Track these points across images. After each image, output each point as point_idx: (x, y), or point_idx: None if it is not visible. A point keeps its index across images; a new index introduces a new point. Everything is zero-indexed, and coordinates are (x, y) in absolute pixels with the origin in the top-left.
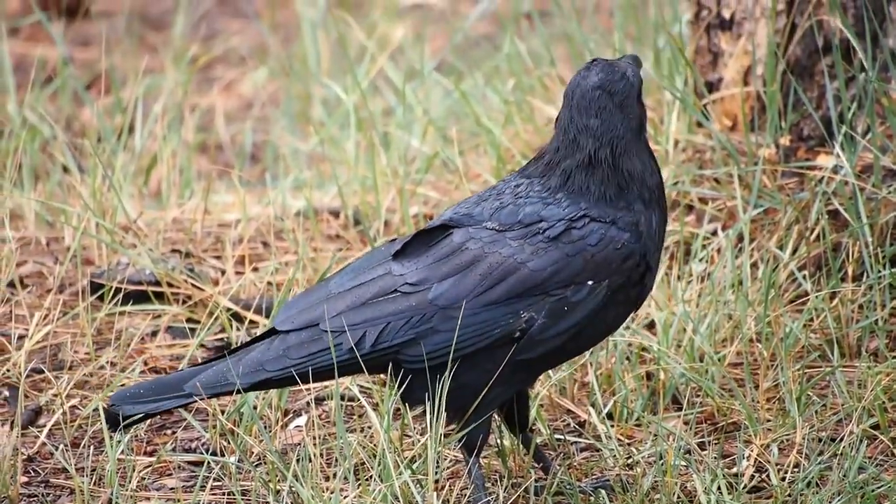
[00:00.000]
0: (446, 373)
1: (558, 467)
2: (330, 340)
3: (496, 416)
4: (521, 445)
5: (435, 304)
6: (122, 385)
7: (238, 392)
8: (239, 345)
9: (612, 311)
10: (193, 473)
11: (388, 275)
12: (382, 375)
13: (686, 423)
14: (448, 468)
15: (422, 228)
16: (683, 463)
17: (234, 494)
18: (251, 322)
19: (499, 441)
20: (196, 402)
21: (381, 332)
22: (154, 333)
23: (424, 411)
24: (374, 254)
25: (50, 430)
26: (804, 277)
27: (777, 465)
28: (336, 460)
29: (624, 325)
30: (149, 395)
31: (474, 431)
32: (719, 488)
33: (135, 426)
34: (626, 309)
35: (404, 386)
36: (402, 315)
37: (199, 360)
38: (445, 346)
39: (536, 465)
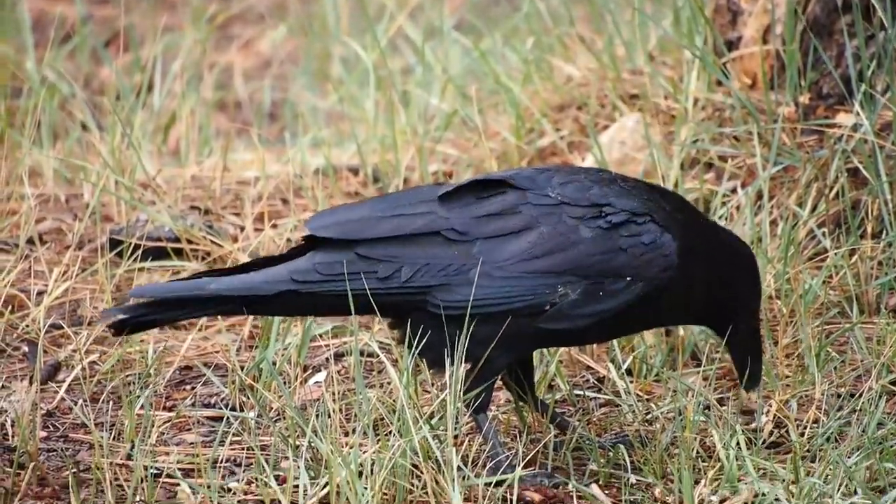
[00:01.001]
0: (464, 328)
1: (577, 423)
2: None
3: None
4: (535, 409)
5: (477, 258)
6: (140, 341)
7: (260, 301)
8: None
9: (634, 315)
10: (212, 429)
11: (432, 214)
12: (396, 332)
13: (705, 379)
14: (467, 423)
15: (476, 178)
16: (702, 418)
17: (252, 449)
18: (267, 260)
19: (515, 399)
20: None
21: (417, 270)
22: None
23: (435, 366)
24: (418, 190)
25: (69, 385)
26: (823, 235)
27: (796, 420)
28: (355, 416)
29: None
30: (170, 291)
31: (479, 391)
32: (738, 444)
33: (142, 331)
34: (645, 319)
35: (422, 341)
36: (442, 260)
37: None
38: (478, 299)
39: (553, 426)
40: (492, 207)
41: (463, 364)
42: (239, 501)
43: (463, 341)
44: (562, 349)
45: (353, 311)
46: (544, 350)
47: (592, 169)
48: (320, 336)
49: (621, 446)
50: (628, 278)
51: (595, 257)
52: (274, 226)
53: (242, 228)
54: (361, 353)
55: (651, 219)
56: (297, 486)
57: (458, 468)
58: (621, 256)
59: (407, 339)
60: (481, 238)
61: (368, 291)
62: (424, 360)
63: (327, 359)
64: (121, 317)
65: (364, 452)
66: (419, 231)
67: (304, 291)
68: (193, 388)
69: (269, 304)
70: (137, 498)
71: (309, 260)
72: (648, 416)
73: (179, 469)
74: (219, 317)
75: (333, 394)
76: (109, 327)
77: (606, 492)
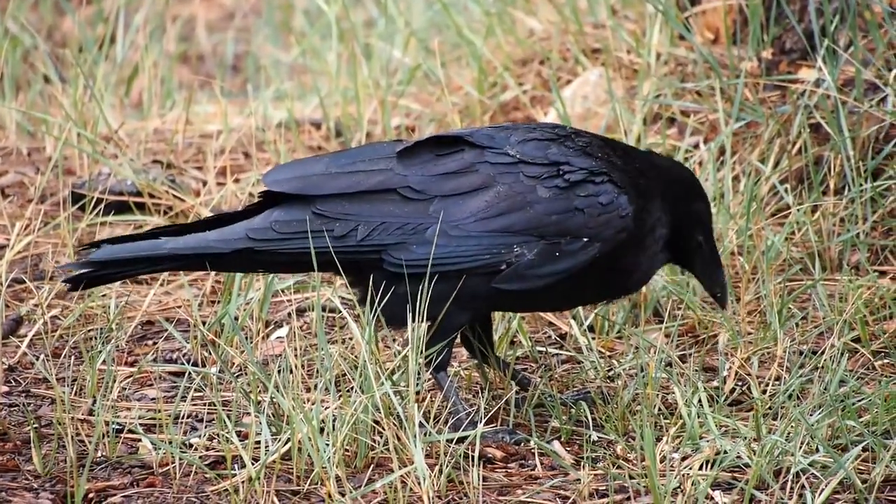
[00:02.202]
0: (421, 286)
1: (539, 380)
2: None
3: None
4: (496, 367)
5: (433, 216)
6: (102, 296)
7: (217, 259)
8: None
9: (590, 280)
10: (174, 384)
11: (389, 171)
12: (356, 290)
13: (667, 336)
14: (428, 380)
15: (434, 135)
16: (664, 375)
17: (214, 405)
18: (221, 218)
19: (479, 352)
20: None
21: (374, 229)
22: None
23: (394, 323)
24: (376, 146)
25: (31, 340)
26: (786, 191)
27: (758, 377)
28: (317, 372)
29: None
30: (126, 251)
31: (437, 349)
32: (700, 401)
33: (98, 285)
34: (601, 287)
35: (381, 298)
36: (398, 218)
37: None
38: (433, 258)
39: (514, 384)
40: (450, 166)
41: (422, 322)
42: (200, 457)
43: (422, 299)
44: None
45: (314, 269)
46: None
47: (549, 125)
48: (282, 291)
49: (583, 403)
50: (585, 239)
51: (552, 217)
52: (236, 180)
53: (205, 183)
54: (323, 309)
55: (608, 178)
56: (258, 442)
57: (420, 424)
58: (578, 217)
59: (369, 297)
60: (438, 196)
61: (324, 250)
62: (383, 317)
63: (289, 314)
64: (76, 272)
65: (326, 408)
66: (375, 188)
67: (261, 249)
68: (155, 344)
69: (225, 262)
70: (99, 453)
71: (266, 218)
72: (610, 373)
73: (141, 424)
74: (180, 272)
75: (295, 349)
76: (66, 282)
77: (568, 449)
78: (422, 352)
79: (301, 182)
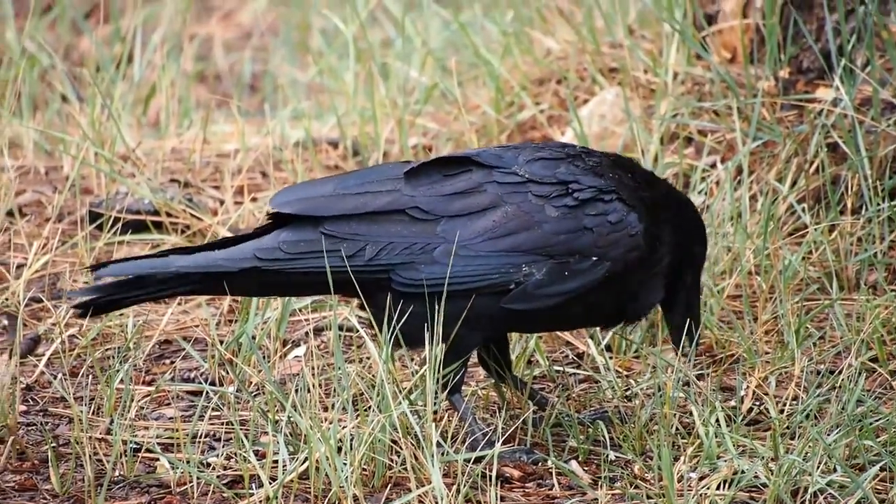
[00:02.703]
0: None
1: (556, 399)
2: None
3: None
4: (513, 386)
5: (441, 237)
6: (120, 315)
7: (224, 278)
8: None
9: (601, 298)
10: (192, 403)
11: (397, 192)
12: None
13: (684, 355)
14: (446, 399)
15: (441, 156)
16: (682, 395)
17: (232, 424)
18: (232, 239)
19: (496, 372)
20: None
21: (382, 249)
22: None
23: (409, 343)
24: (384, 168)
25: (48, 358)
26: (803, 210)
27: (775, 397)
28: (334, 391)
29: None
30: (135, 269)
31: (451, 371)
32: (717, 420)
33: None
34: (609, 310)
35: (391, 318)
36: (405, 239)
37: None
38: (440, 278)
39: (532, 403)
40: (457, 186)
41: (437, 343)
42: (218, 476)
43: (431, 319)
44: None
45: (329, 290)
46: None
47: (558, 144)
48: (300, 310)
49: (601, 422)
50: (594, 258)
51: (561, 236)
52: (254, 199)
53: (222, 202)
54: (341, 328)
55: (618, 197)
56: (276, 462)
57: (438, 444)
58: (587, 236)
59: (386, 316)
60: (446, 216)
61: (332, 270)
62: (400, 338)
63: (307, 333)
64: (83, 299)
65: (343, 428)
66: (383, 209)
67: (268, 269)
68: (173, 363)
69: (235, 283)
70: (116, 472)
71: (274, 238)
72: (628, 393)
73: (159, 444)
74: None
75: (313, 368)
76: (75, 307)
77: (585, 468)
78: (437, 374)
79: (308, 203)
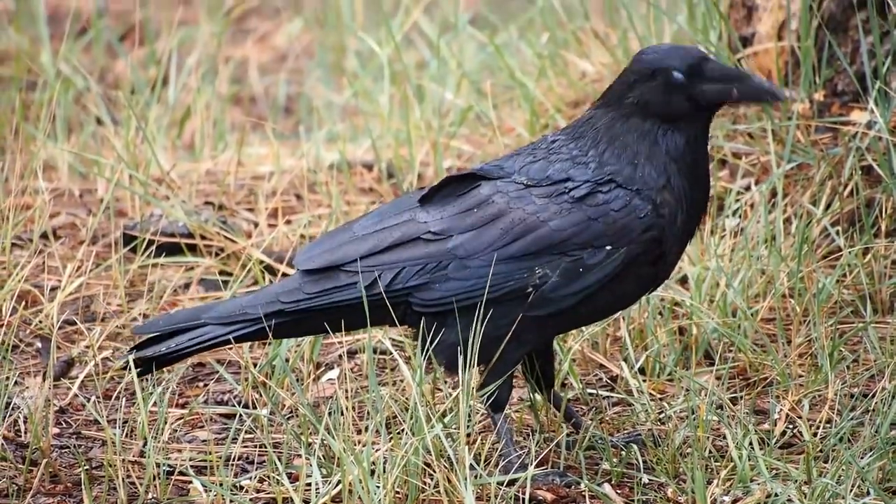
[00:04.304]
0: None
1: (590, 422)
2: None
3: (518, 374)
4: (550, 403)
5: (453, 253)
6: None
7: (253, 323)
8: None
9: (626, 283)
10: (225, 426)
11: (412, 221)
12: (404, 328)
13: (718, 379)
14: (480, 422)
15: (450, 175)
16: (715, 418)
17: (265, 447)
18: (284, 275)
19: (531, 395)
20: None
21: (396, 275)
22: (187, 286)
23: (441, 363)
24: (401, 200)
25: (82, 381)
26: (837, 233)
27: (809, 420)
28: (368, 413)
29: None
30: (166, 324)
31: (495, 388)
32: (751, 443)
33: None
34: (639, 286)
35: (428, 337)
36: (418, 261)
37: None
38: (456, 293)
39: (567, 423)
40: (469, 202)
41: (475, 361)
42: (251, 499)
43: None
44: (574, 347)
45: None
46: (558, 348)
47: (541, 141)
48: (333, 333)
49: (634, 445)
50: (607, 248)
51: (566, 231)
52: (288, 222)
53: (256, 224)
54: (374, 351)
55: (616, 184)
56: (309, 484)
57: (471, 467)
58: (594, 226)
59: (420, 340)
60: (457, 233)
61: (354, 302)
62: (435, 360)
63: (340, 356)
64: (132, 357)
65: (377, 450)
66: (398, 241)
67: (291, 311)
68: (206, 385)
69: (260, 328)
70: (150, 495)
71: (295, 280)
72: (661, 416)
73: (192, 466)
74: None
75: (346, 391)
76: (137, 365)
77: (619, 491)
78: (478, 391)
79: (331, 255)
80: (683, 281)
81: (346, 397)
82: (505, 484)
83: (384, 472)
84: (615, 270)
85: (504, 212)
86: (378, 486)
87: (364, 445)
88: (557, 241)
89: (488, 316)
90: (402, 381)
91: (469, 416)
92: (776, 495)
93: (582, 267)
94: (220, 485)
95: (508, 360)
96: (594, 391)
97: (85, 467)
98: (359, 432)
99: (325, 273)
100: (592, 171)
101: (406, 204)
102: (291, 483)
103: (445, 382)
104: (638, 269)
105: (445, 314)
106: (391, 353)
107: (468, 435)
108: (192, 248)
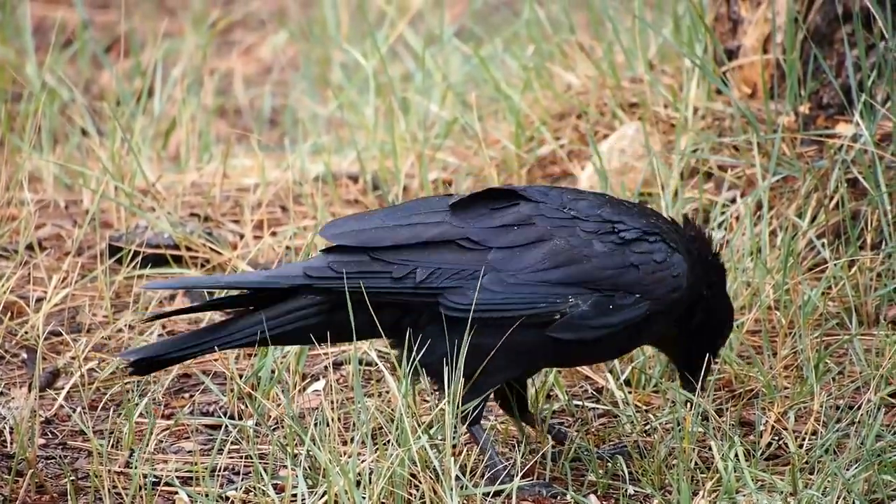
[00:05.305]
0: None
1: (575, 433)
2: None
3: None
4: (524, 425)
5: (492, 265)
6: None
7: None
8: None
9: (635, 334)
10: (211, 437)
11: (446, 223)
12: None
13: (703, 390)
14: (465, 433)
15: (488, 188)
16: (701, 430)
17: (251, 458)
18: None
19: (514, 409)
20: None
21: (432, 272)
22: (172, 297)
23: (439, 377)
24: (428, 201)
25: (68, 392)
26: (823, 245)
27: (794, 432)
28: (353, 425)
29: None
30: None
31: (474, 404)
32: (736, 455)
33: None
34: (638, 344)
35: (426, 351)
36: (456, 265)
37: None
38: (489, 303)
39: (550, 437)
40: (507, 218)
41: (462, 375)
42: None
43: (463, 350)
44: None
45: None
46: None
47: (597, 193)
48: (319, 345)
49: (619, 457)
50: (637, 295)
51: (608, 271)
52: (273, 234)
53: (242, 236)
54: (360, 362)
55: (661, 238)
56: (295, 495)
57: (457, 478)
58: (633, 272)
59: (415, 347)
60: (496, 247)
61: (381, 291)
62: (425, 371)
63: (326, 367)
64: (134, 358)
65: (362, 461)
66: (434, 239)
67: (318, 287)
68: (192, 396)
69: (288, 324)
70: None
71: (322, 259)
72: (647, 427)
73: (178, 477)
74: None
75: (332, 402)
76: (130, 365)
77: (604, 502)
78: (458, 406)
79: (362, 236)
80: None
81: (332, 408)
82: (491, 495)
83: (370, 483)
84: (638, 318)
85: (545, 236)
86: (364, 497)
87: (350, 456)
88: (597, 279)
89: (512, 332)
90: (387, 392)
91: (455, 427)
92: None
93: (612, 304)
94: (206, 495)
95: (495, 380)
96: (580, 403)
97: (71, 478)
98: (344, 443)
99: (353, 255)
100: (645, 222)
101: (434, 206)
102: (277, 494)
103: (432, 394)
104: (649, 327)
105: (463, 323)
106: (377, 365)
107: (454, 446)
108: (178, 260)
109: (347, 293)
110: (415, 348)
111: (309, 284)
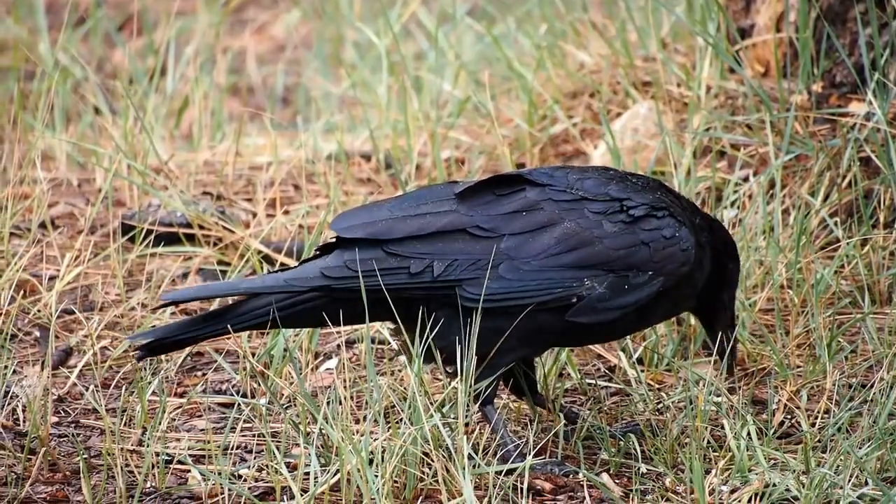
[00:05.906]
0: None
1: (588, 412)
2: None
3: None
4: (536, 406)
5: (506, 253)
6: (152, 327)
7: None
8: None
9: (650, 311)
10: (223, 415)
11: (454, 212)
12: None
13: (716, 369)
14: (478, 412)
15: (493, 175)
16: (713, 408)
17: (263, 436)
18: (282, 265)
19: (524, 390)
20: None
21: (449, 265)
22: (185, 275)
23: (447, 355)
24: (433, 189)
25: (80, 370)
26: (835, 224)
27: (807, 410)
28: (366, 403)
29: None
30: (203, 292)
31: (485, 381)
32: (749, 434)
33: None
34: (663, 314)
35: (436, 329)
36: (471, 255)
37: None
38: (506, 291)
39: (562, 416)
40: (514, 205)
41: (475, 356)
42: (250, 488)
43: (477, 333)
44: None
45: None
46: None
47: (600, 167)
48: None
49: (632, 435)
50: (650, 272)
51: (620, 251)
52: (286, 212)
53: (254, 214)
54: (373, 341)
55: (669, 213)
56: (307, 474)
57: (469, 456)
58: (644, 250)
59: (419, 329)
60: (508, 234)
61: (399, 286)
62: (439, 353)
63: (339, 346)
64: (144, 341)
65: (375, 440)
66: (446, 228)
67: (338, 287)
68: (205, 375)
69: (299, 307)
70: (148, 484)
71: (338, 257)
72: (659, 406)
73: (190, 455)
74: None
75: (344, 381)
76: (137, 350)
77: (617, 481)
78: (470, 385)
79: (373, 227)
80: None
81: (345, 387)
82: (503, 473)
83: (382, 461)
84: (652, 295)
85: (555, 220)
86: (376, 476)
87: (362, 435)
88: (610, 259)
89: (530, 318)
90: (400, 370)
91: (467, 405)
92: (774, 485)
93: (627, 285)
94: (219, 474)
95: (507, 360)
96: (592, 381)
97: (83, 456)
98: (357, 422)
99: (368, 251)
100: (650, 198)
101: (441, 194)
102: (290, 472)
103: (446, 376)
104: (662, 304)
105: (486, 310)
106: (389, 343)
107: (466, 424)
108: (191, 238)
109: (364, 293)
110: (427, 330)
111: (328, 286)
